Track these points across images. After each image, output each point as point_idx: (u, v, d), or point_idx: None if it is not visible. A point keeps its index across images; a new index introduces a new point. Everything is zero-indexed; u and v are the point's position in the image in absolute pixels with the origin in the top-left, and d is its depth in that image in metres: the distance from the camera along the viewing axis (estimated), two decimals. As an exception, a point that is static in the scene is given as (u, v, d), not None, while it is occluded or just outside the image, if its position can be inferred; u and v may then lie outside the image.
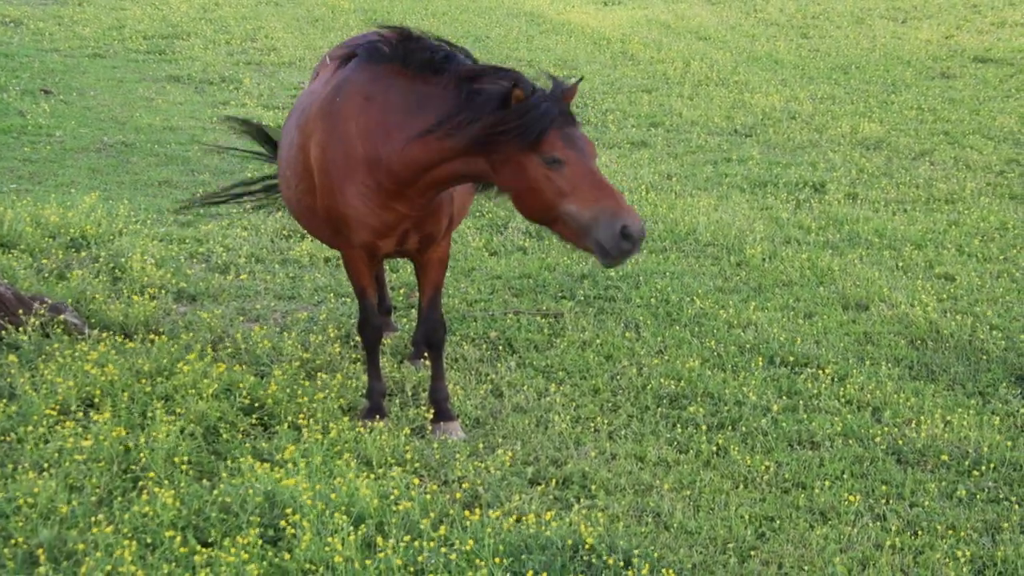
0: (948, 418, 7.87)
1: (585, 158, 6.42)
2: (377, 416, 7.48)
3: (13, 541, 5.82)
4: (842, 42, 23.51)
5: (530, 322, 9.44)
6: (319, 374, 8.04)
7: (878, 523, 6.64)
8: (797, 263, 11.05)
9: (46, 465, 6.55)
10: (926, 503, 6.85)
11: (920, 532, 6.55)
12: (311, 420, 7.27)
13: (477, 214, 12.58)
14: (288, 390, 7.64)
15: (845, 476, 7.15)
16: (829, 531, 6.50)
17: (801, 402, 8.12)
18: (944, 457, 7.36)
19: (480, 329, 9.25)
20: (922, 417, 7.90)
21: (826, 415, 7.93)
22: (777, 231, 12.15)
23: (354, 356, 8.63)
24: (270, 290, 9.95)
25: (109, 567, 5.53)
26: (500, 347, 8.97)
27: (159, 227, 11.42)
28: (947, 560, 6.26)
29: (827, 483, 7.02)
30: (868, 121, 17.17)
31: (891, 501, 6.90)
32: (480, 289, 10.22)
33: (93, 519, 6.00)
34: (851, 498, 6.83)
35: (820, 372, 8.58)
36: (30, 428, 6.90)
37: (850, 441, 7.59)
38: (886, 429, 7.75)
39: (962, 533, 6.54)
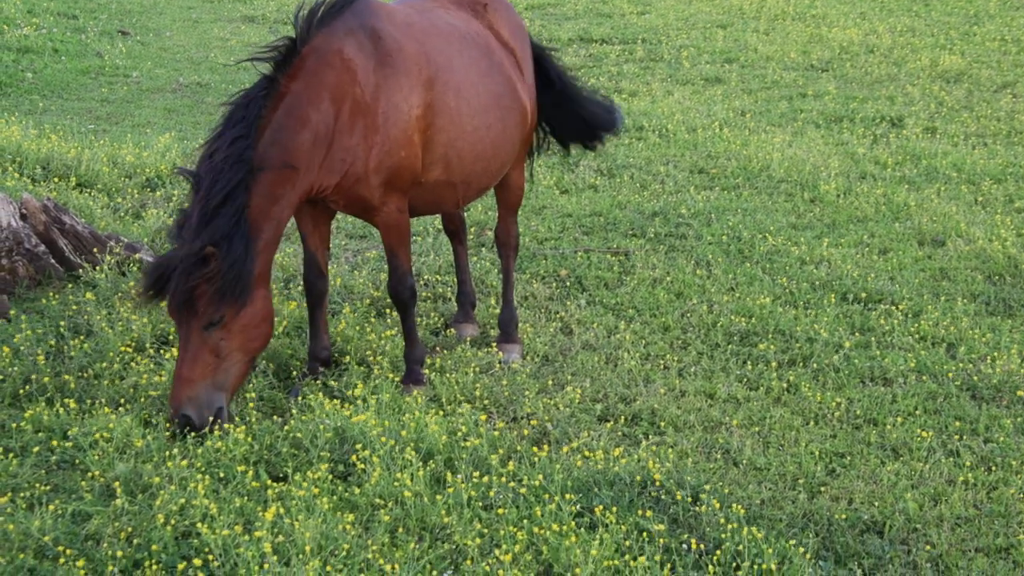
0: (1025, 354, 7.75)
1: None
2: (411, 384, 7.16)
3: (91, 474, 5.93)
4: (923, -27, 23.02)
5: (600, 260, 9.40)
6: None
7: (951, 459, 6.56)
8: (872, 199, 10.89)
9: (122, 400, 6.67)
10: (1001, 439, 6.75)
11: (994, 467, 6.47)
12: (380, 357, 7.32)
13: (548, 152, 12.51)
14: (358, 328, 7.69)
15: (918, 412, 7.07)
16: (901, 467, 6.44)
17: (874, 338, 8.02)
18: (1020, 393, 7.25)
19: (550, 267, 9.23)
20: (998, 353, 7.78)
21: (899, 351, 7.83)
22: (852, 167, 11.97)
23: (424, 295, 8.66)
24: (342, 229, 10.00)
25: (183, 500, 5.62)
26: (570, 285, 8.95)
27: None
28: (1021, 495, 6.17)
29: (899, 419, 6.95)
30: (949, 53, 16.83)
31: (965, 437, 6.81)
32: (550, 227, 10.20)
33: (167, 453, 6.10)
34: (924, 434, 6.75)
35: (894, 308, 8.47)
36: (106, 364, 7.02)
37: (924, 377, 7.50)
38: (961, 365, 7.64)
39: (1037, 469, 6.45)
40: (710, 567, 5.35)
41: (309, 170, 6.46)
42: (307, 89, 6.45)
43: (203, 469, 5.96)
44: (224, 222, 6.09)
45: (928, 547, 5.72)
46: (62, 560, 5.21)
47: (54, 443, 6.21)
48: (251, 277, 6.19)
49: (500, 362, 7.54)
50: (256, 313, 6.30)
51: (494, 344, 7.75)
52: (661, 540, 5.54)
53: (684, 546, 5.56)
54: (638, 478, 6.04)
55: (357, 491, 5.83)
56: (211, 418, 6.21)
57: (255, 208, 6.25)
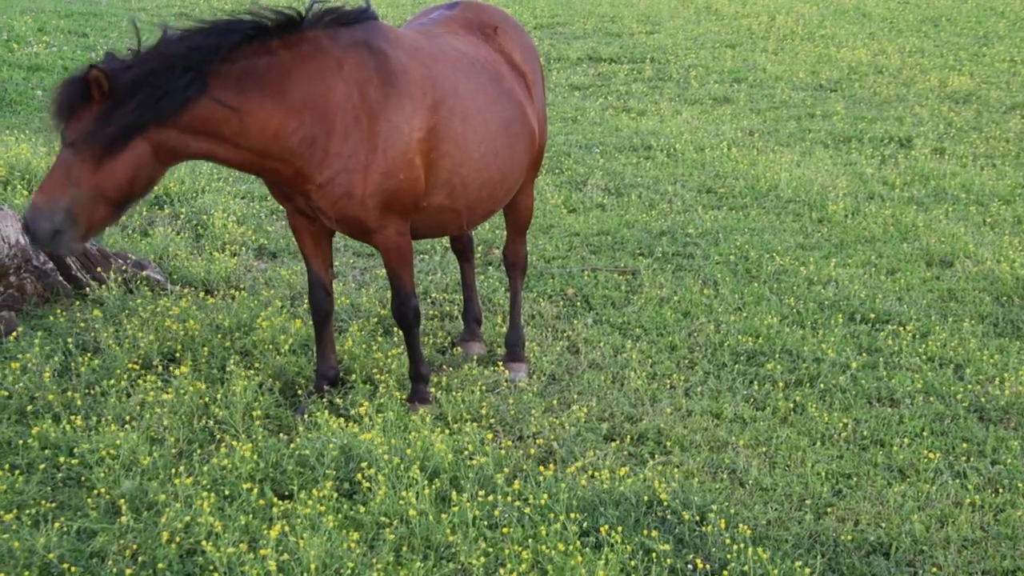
0: (1033, 376, 7.73)
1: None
2: (417, 403, 7.13)
3: (96, 491, 5.94)
4: (932, -6, 23.05)
5: (607, 279, 9.41)
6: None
7: (958, 481, 6.54)
8: (880, 219, 10.88)
9: (128, 418, 6.69)
10: (1008, 460, 6.74)
11: (1001, 490, 6.44)
12: (387, 375, 7.32)
13: (556, 171, 12.55)
14: (364, 346, 7.70)
15: (925, 433, 7.05)
16: (907, 488, 6.42)
17: (881, 359, 8.01)
18: (1028, 415, 7.24)
19: (557, 286, 9.24)
20: (1006, 374, 7.76)
21: (907, 372, 7.82)
22: (860, 187, 11.97)
23: (431, 312, 8.67)
24: (349, 247, 10.02)
25: (188, 518, 5.62)
26: (577, 304, 8.95)
27: (241, 184, 11.53)
28: (1029, 519, 6.15)
29: (906, 440, 6.93)
30: (958, 74, 16.84)
31: (972, 459, 6.79)
32: (558, 246, 10.21)
33: (173, 471, 6.11)
34: (931, 455, 6.73)
35: (901, 329, 8.46)
36: (113, 381, 7.03)
37: (931, 398, 7.49)
38: (968, 387, 7.62)
39: (1045, 492, 6.42)
40: (715, 588, 5.34)
41: (263, 148, 6.25)
42: (294, 66, 6.27)
43: (208, 487, 5.96)
44: (149, 77, 5.93)
45: (934, 569, 5.70)
46: (67, 577, 5.21)
47: (60, 460, 6.22)
48: (124, 140, 5.94)
49: (506, 381, 7.54)
50: (116, 169, 5.98)
51: (500, 363, 7.75)
52: (667, 560, 5.53)
53: (690, 566, 5.55)
54: (644, 498, 6.03)
55: (362, 509, 5.83)
56: (52, 232, 5.95)
57: (182, 117, 6.04)
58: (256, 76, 6.19)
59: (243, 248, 9.71)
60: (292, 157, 6.33)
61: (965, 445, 6.92)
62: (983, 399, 7.46)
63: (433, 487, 6.00)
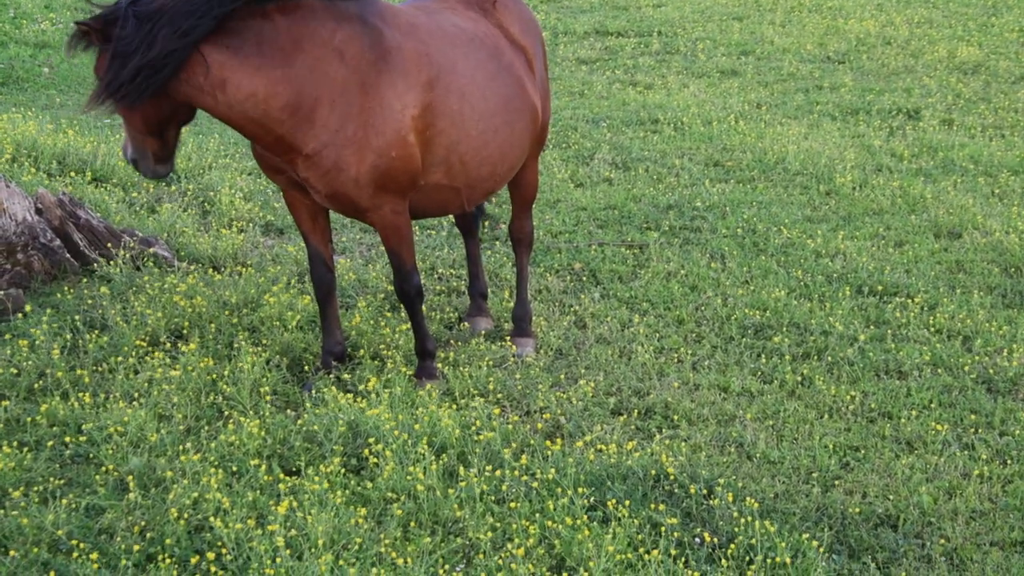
0: (1041, 347, 7.72)
1: None
2: (424, 379, 7.14)
3: (104, 468, 5.96)
4: (940, -36, 22.92)
5: (614, 253, 9.39)
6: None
7: (966, 452, 6.54)
8: (888, 191, 10.85)
9: (136, 395, 6.70)
10: (1016, 432, 6.73)
11: (1009, 461, 6.44)
12: (394, 351, 7.32)
13: (563, 145, 12.52)
14: (372, 322, 7.70)
15: (933, 405, 7.04)
16: (915, 460, 6.42)
17: (889, 331, 7.99)
18: (1036, 387, 7.23)
19: (564, 261, 9.22)
20: (1014, 346, 7.74)
21: (915, 344, 7.80)
22: (868, 159, 11.93)
23: (438, 288, 8.67)
24: (356, 223, 10.01)
25: (196, 494, 5.64)
26: (584, 278, 8.94)
27: (247, 161, 11.52)
28: (1037, 490, 6.15)
29: (914, 412, 6.92)
30: (966, 45, 16.75)
31: (980, 430, 6.78)
32: (565, 221, 10.19)
33: (181, 447, 6.12)
34: (938, 427, 6.72)
35: (909, 301, 8.44)
36: (121, 358, 7.05)
37: (939, 370, 7.47)
38: (976, 358, 7.61)
39: (1053, 463, 6.42)
40: (723, 560, 5.34)
41: (242, 110, 6.23)
42: (285, 32, 6.22)
43: (216, 463, 5.98)
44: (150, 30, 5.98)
45: (943, 541, 5.70)
46: (76, 554, 5.22)
47: (68, 437, 6.23)
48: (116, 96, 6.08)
49: (514, 356, 7.54)
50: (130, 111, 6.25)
51: (508, 338, 7.75)
52: (674, 534, 5.54)
53: (697, 540, 5.55)
54: (651, 472, 6.03)
55: (370, 485, 5.84)
56: (132, 162, 6.47)
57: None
58: (245, 37, 6.15)
59: (250, 224, 9.71)
60: (271, 123, 6.27)
61: (973, 417, 6.91)
62: (991, 371, 7.44)
63: (440, 462, 6.01)
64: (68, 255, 8.39)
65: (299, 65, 6.25)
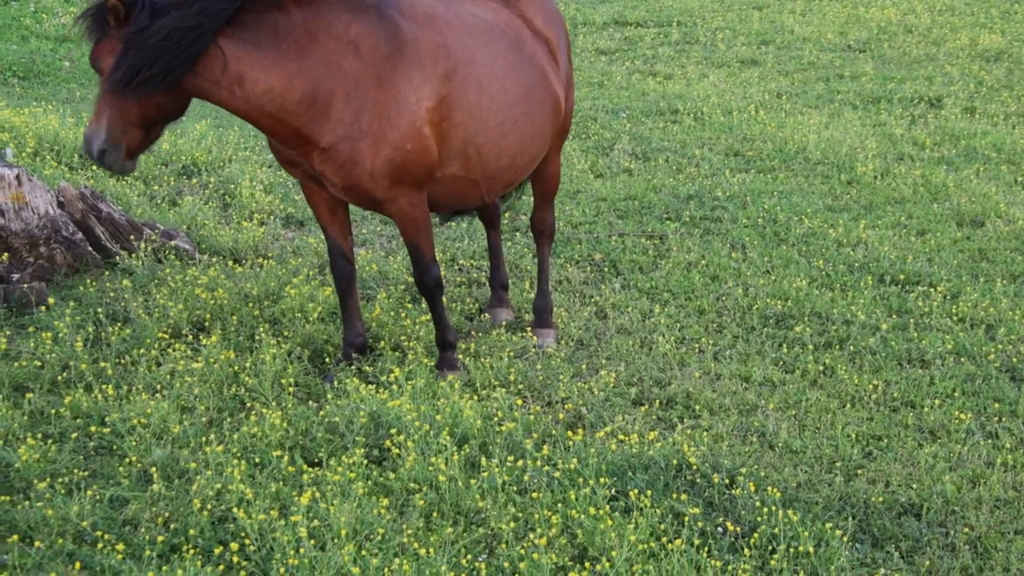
0: (1065, 336, 7.67)
1: None
2: (446, 370, 7.15)
3: (128, 460, 5.98)
4: (962, -48, 22.79)
5: (635, 244, 9.38)
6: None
7: (989, 441, 6.51)
8: (910, 180, 10.81)
9: (159, 387, 6.72)
10: (1040, 421, 6.70)
11: (1033, 450, 6.42)
12: (415, 342, 7.33)
13: (582, 136, 12.51)
14: (392, 313, 7.71)
15: (956, 394, 7.01)
16: (938, 449, 6.39)
17: (912, 320, 7.96)
18: (1060, 375, 7.19)
19: (584, 251, 9.22)
20: (1038, 335, 7.71)
21: (937, 333, 7.77)
22: (890, 148, 11.88)
23: (458, 280, 8.67)
24: (375, 215, 10.02)
25: (219, 485, 5.66)
26: (605, 269, 8.93)
27: (267, 154, 11.54)
28: (1061, 479, 6.12)
29: (937, 401, 6.90)
30: (989, 32, 16.65)
31: (1004, 419, 6.76)
32: (585, 211, 10.18)
33: (204, 439, 6.14)
34: (962, 416, 6.70)
35: (932, 290, 8.40)
36: (143, 351, 7.08)
37: (962, 359, 7.44)
38: (1000, 347, 7.57)
39: (1077, 452, 6.38)
40: (746, 550, 5.33)
41: (257, 103, 6.23)
42: (302, 24, 6.22)
43: (239, 454, 6.00)
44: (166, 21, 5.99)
45: (967, 529, 5.68)
46: (100, 545, 5.25)
47: (92, 429, 6.26)
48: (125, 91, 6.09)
49: (535, 347, 7.54)
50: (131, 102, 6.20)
51: (529, 329, 7.75)
52: (697, 524, 5.53)
53: (719, 529, 5.55)
54: (673, 462, 6.02)
55: (392, 476, 5.85)
56: (99, 152, 6.21)
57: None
58: (262, 30, 6.15)
59: (271, 217, 9.73)
60: (288, 116, 6.27)
61: (997, 405, 6.88)
62: (1015, 359, 7.41)
63: (462, 453, 6.01)
64: (90, 248, 8.42)
65: (314, 58, 6.24)
